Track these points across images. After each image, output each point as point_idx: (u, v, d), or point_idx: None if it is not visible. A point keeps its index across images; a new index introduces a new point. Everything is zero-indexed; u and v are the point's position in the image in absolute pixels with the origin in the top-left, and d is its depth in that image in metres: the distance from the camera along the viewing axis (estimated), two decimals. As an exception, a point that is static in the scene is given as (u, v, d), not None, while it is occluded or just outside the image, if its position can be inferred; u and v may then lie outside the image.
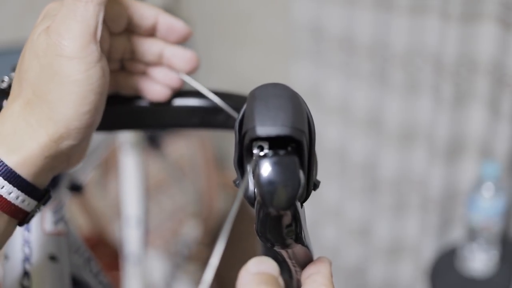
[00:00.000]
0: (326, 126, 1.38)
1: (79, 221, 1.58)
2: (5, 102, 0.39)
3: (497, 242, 1.08)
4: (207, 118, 0.44)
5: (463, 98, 1.10)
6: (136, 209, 1.02)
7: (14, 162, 0.34)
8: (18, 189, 0.35)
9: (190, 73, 0.43)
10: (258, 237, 0.31)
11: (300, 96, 0.32)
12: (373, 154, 1.31)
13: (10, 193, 0.34)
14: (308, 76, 1.38)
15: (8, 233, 0.36)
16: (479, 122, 1.11)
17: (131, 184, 1.01)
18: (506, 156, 1.08)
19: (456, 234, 1.24)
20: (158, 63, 0.43)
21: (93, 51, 0.35)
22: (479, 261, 1.08)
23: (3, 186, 0.34)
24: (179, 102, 0.44)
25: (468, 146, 1.15)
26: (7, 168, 0.34)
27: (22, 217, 0.36)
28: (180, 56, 0.42)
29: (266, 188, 0.28)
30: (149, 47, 0.42)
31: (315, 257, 0.34)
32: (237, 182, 0.33)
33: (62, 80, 0.34)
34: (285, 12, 1.44)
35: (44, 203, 0.38)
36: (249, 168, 0.32)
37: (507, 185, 1.10)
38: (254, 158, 0.29)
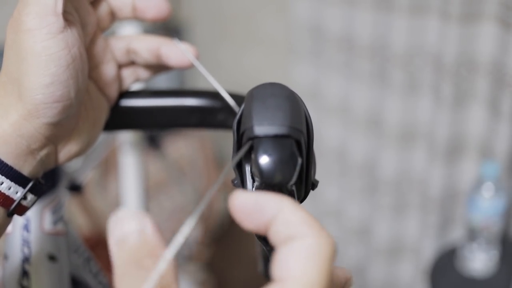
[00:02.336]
0: (326, 126, 1.38)
1: (79, 221, 1.58)
2: None
3: (497, 242, 1.08)
4: (206, 118, 0.44)
5: (463, 98, 1.10)
6: (136, 209, 1.02)
7: None
8: (4, 176, 0.34)
9: (162, 19, 0.43)
10: (256, 238, 0.31)
11: (298, 96, 0.31)
12: (373, 154, 1.31)
13: None
14: (308, 76, 1.38)
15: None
16: (479, 122, 1.11)
17: (131, 184, 1.01)
18: (506, 156, 1.08)
19: (456, 234, 1.24)
20: (133, 16, 0.43)
21: (52, 22, 0.35)
22: (479, 261, 1.08)
23: None
24: (179, 102, 0.44)
25: (468, 146, 1.15)
26: None
27: (8, 204, 0.36)
28: (148, 2, 0.42)
29: (265, 160, 0.28)
30: (122, 1, 0.42)
31: None
32: (236, 181, 0.33)
33: (23, 54, 0.35)
34: (285, 12, 1.44)
35: (37, 194, 0.38)
36: (247, 167, 0.32)
37: (507, 185, 1.10)
38: (253, 141, 0.29)
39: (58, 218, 0.51)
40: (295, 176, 0.29)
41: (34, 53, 0.35)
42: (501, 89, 1.04)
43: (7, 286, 0.48)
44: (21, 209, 0.37)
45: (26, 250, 0.48)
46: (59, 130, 0.37)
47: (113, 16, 0.43)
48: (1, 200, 0.35)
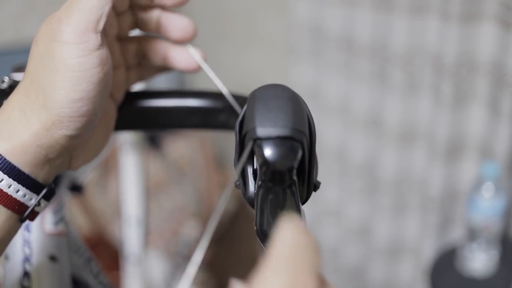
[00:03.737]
0: (326, 126, 1.38)
1: (79, 221, 1.58)
2: (5, 102, 0.39)
3: (497, 242, 1.08)
4: (207, 118, 0.44)
5: (463, 98, 1.10)
6: (136, 209, 1.02)
7: (3, 149, 0.34)
8: (10, 176, 0.34)
9: (186, 40, 0.43)
10: (257, 238, 0.31)
11: (300, 97, 0.32)
12: (373, 154, 1.31)
13: (0, 181, 0.34)
14: (308, 76, 1.38)
15: (9, 228, 0.36)
16: (479, 122, 1.11)
17: (131, 184, 1.01)
18: (506, 156, 1.08)
19: (456, 234, 1.24)
20: (156, 31, 0.43)
21: (91, 39, 0.35)
22: (479, 261, 1.08)
23: (3, 180, 0.34)
24: (179, 102, 0.44)
25: (468, 146, 1.15)
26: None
27: (22, 211, 0.36)
28: (175, 23, 0.42)
29: (269, 150, 0.29)
30: (148, 15, 0.42)
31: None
32: (238, 183, 0.33)
33: (56, 65, 0.34)
34: (285, 12, 1.44)
35: (48, 199, 0.38)
36: (249, 169, 0.32)
37: (507, 185, 1.10)
38: (255, 142, 0.29)
39: (59, 218, 0.51)
40: (297, 161, 0.29)
41: (68, 67, 0.34)
42: (501, 89, 1.04)
43: (8, 287, 0.48)
44: (33, 215, 0.37)
45: (27, 251, 0.48)
46: (78, 141, 0.37)
47: (134, 26, 0.43)
48: (16, 207, 0.35)
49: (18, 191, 0.35)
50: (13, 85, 0.40)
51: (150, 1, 0.41)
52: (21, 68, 0.43)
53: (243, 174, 0.33)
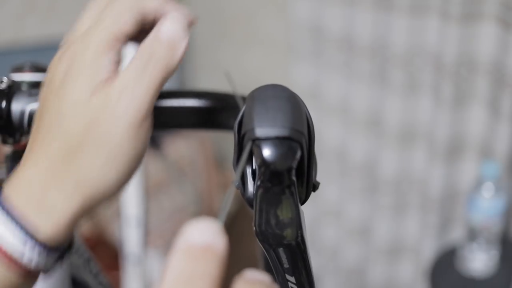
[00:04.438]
0: (326, 126, 1.38)
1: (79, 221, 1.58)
2: (3, 103, 0.39)
3: (497, 242, 1.08)
4: (207, 118, 0.44)
5: (463, 98, 1.10)
6: (136, 209, 1.02)
7: (45, 236, 0.32)
8: (49, 259, 0.33)
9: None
10: (257, 240, 0.31)
11: (299, 97, 0.32)
12: (373, 154, 1.31)
13: (39, 265, 0.32)
14: (308, 76, 1.38)
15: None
16: (479, 122, 1.11)
17: (131, 184, 1.01)
18: (506, 156, 1.08)
19: (456, 234, 1.24)
20: None
21: (149, 127, 0.33)
22: (479, 261, 1.08)
23: (33, 260, 0.32)
24: (179, 102, 0.44)
25: (468, 146, 1.15)
26: (39, 243, 0.31)
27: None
28: None
29: (268, 150, 0.29)
30: None
31: (312, 261, 0.34)
32: (237, 183, 0.33)
33: (115, 153, 0.32)
34: (285, 12, 1.44)
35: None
36: (248, 169, 0.32)
37: (507, 185, 1.10)
38: (254, 143, 0.29)
39: (59, 218, 0.50)
40: (296, 161, 0.29)
41: (129, 156, 0.32)
42: (501, 89, 1.04)
43: (7, 287, 0.48)
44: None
45: (26, 251, 0.48)
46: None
47: None
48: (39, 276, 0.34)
49: (47, 266, 0.33)
50: (12, 86, 0.39)
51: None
52: (20, 69, 0.43)
53: (242, 175, 0.33)
